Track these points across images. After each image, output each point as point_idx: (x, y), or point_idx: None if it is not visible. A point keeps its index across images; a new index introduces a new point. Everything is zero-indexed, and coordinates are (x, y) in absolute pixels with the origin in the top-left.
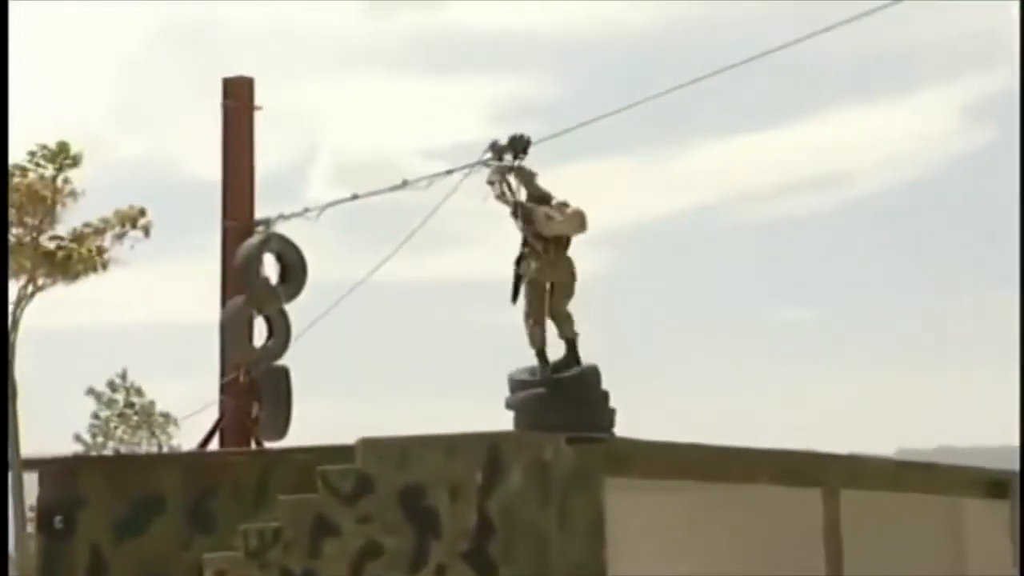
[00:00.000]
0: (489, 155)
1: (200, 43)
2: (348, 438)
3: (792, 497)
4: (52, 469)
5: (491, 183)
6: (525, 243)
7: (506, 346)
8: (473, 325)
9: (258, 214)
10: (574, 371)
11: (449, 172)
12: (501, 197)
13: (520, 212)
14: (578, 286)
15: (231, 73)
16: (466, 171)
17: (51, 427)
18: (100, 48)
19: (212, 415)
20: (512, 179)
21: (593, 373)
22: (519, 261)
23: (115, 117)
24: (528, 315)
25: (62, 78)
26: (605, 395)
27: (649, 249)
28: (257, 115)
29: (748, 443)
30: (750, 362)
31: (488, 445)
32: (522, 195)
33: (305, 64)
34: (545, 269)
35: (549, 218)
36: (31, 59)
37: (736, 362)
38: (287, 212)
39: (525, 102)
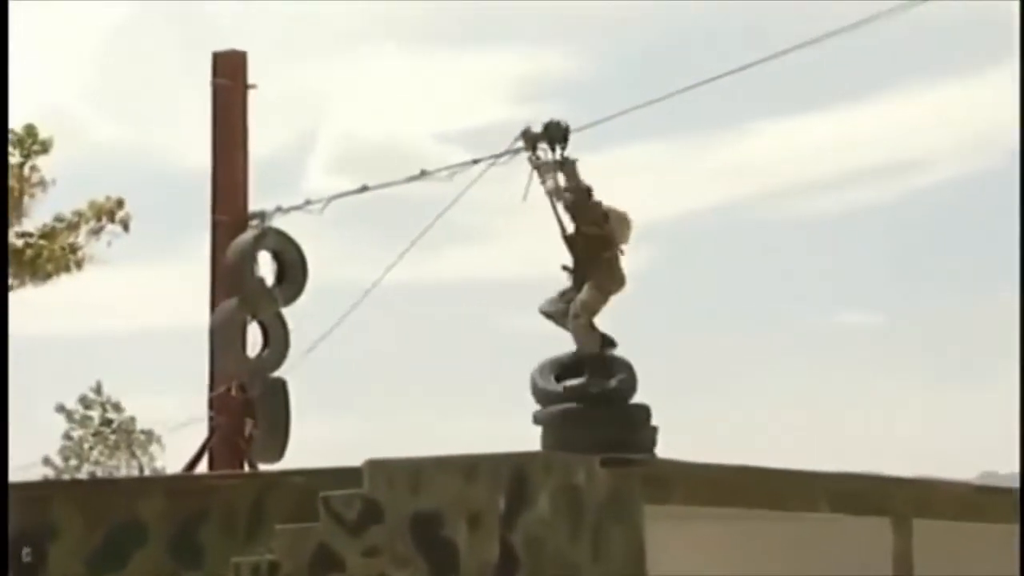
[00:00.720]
0: (521, 144)
1: (187, 13)
2: (353, 460)
3: (856, 527)
4: (19, 495)
5: (543, 180)
6: (580, 244)
7: (532, 354)
8: (494, 331)
9: (252, 207)
10: (610, 384)
11: (475, 162)
12: (556, 192)
13: (586, 211)
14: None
15: (222, 47)
16: (492, 161)
17: (17, 448)
18: (71, 19)
19: (200, 434)
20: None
21: (630, 385)
22: (581, 263)
23: (87, 96)
24: (579, 315)
25: (26, 52)
26: (646, 411)
27: (689, 246)
28: (251, 95)
29: (804, 465)
30: (804, 372)
31: (512, 468)
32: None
33: (305, 38)
34: (613, 277)
35: (622, 221)
36: None
37: (788, 372)
38: (285, 205)
39: (550, 80)
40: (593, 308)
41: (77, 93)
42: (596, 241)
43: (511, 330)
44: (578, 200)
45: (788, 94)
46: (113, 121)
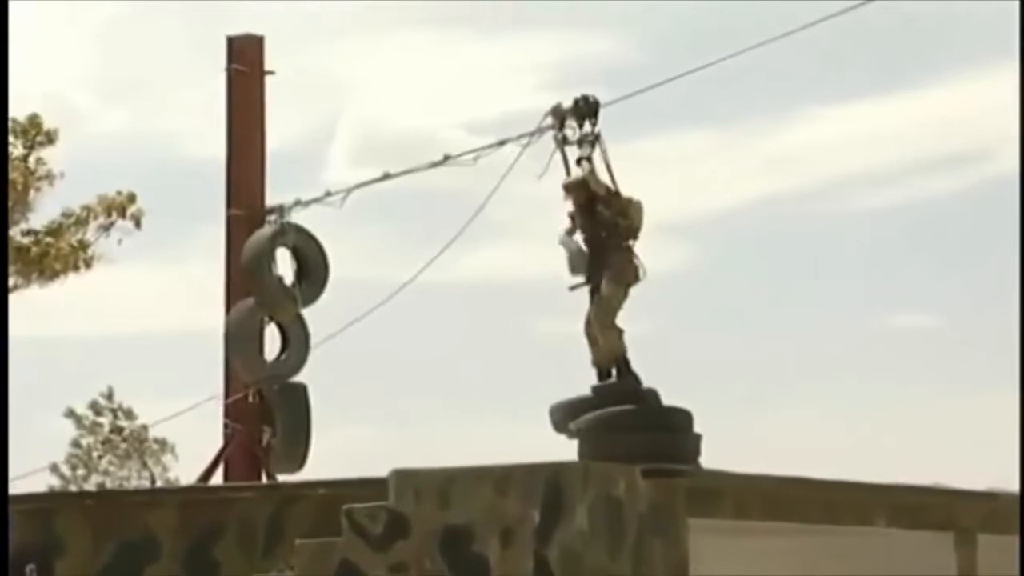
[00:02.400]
0: (550, 121)
1: None
2: (379, 469)
3: (916, 542)
4: (23, 508)
5: (584, 159)
6: (603, 233)
7: (566, 359)
8: (526, 334)
9: (270, 200)
10: (649, 388)
11: (501, 143)
12: (592, 177)
13: (614, 199)
14: (650, 285)
15: (237, 31)
16: (525, 144)
17: (22, 457)
18: (72, 3)
19: (215, 442)
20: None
21: (654, 395)
22: (598, 254)
23: (90, 84)
24: (606, 316)
25: (27, 38)
26: (688, 417)
27: (735, 242)
28: (268, 82)
29: (860, 477)
30: (857, 378)
31: (547, 478)
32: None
33: (323, 21)
34: (632, 268)
35: (639, 210)
36: None
37: (839, 377)
38: (304, 198)
39: (586, 66)
40: (614, 305)
41: (79, 80)
42: (614, 231)
43: (543, 334)
44: (600, 186)
45: (840, 79)
46: (118, 110)
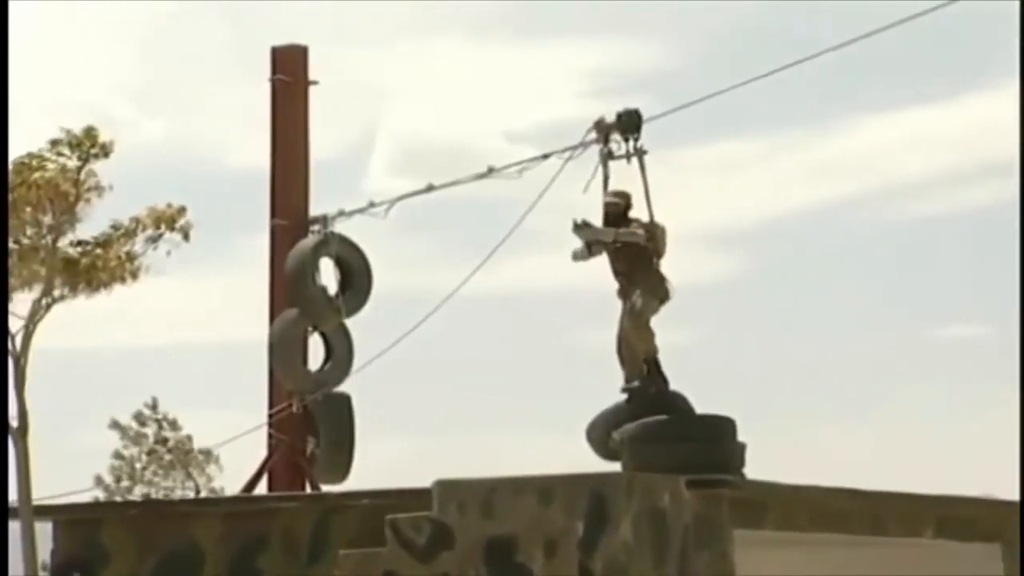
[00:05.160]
0: (594, 135)
1: (238, 5)
2: (423, 480)
3: (964, 554)
4: (69, 518)
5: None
6: (625, 253)
7: (610, 372)
8: (567, 345)
9: (312, 210)
10: (677, 392)
11: (545, 157)
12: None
13: (648, 225)
14: (693, 295)
15: (281, 40)
16: (568, 156)
17: (67, 467)
18: (117, 9)
19: (260, 452)
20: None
21: (683, 399)
22: (628, 273)
23: (132, 93)
24: (639, 318)
25: (67, 48)
26: (733, 426)
27: (780, 251)
28: (311, 92)
29: (908, 488)
30: (906, 388)
31: (591, 489)
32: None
33: (363, 29)
34: (663, 287)
35: (663, 233)
36: (33, 26)
37: (889, 388)
38: (346, 208)
39: (631, 72)
40: (647, 313)
41: (120, 89)
42: (643, 251)
43: (586, 346)
44: (628, 206)
45: (888, 86)
46: (158, 119)
